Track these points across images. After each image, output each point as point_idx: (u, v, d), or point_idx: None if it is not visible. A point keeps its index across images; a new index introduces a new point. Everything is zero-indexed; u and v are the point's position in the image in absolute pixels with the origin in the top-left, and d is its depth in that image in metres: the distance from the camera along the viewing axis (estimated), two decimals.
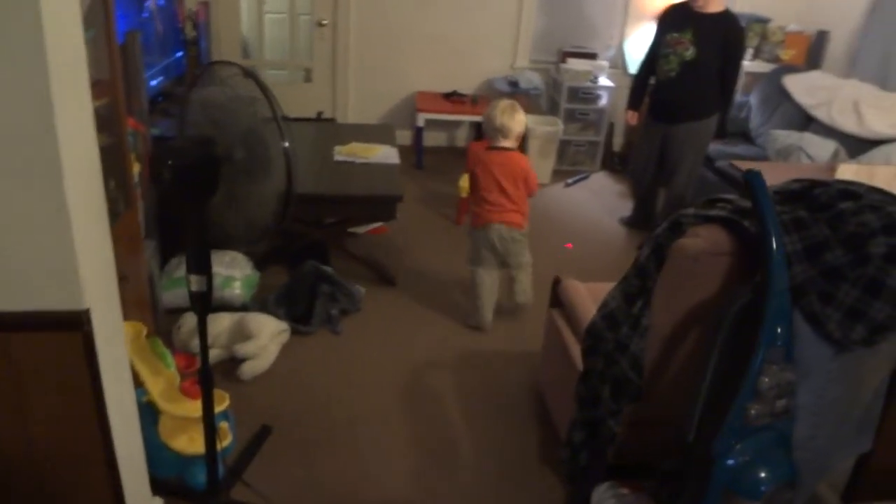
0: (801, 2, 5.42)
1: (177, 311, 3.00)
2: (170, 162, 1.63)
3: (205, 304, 1.83)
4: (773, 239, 1.39)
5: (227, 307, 3.04)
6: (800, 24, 5.36)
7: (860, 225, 1.52)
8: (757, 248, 1.58)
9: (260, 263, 3.34)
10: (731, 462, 1.46)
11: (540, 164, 5.10)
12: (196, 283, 1.80)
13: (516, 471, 2.35)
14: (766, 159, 4.31)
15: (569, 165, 5.48)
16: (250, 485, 2.18)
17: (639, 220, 4.39)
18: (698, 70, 3.63)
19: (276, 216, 1.78)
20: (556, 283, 2.52)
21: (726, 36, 3.65)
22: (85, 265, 1.45)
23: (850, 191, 1.59)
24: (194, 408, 2.08)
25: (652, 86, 3.99)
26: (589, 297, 2.34)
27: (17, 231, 1.37)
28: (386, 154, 3.78)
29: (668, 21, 3.85)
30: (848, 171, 2.89)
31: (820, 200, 1.61)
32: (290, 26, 5.42)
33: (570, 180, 5.23)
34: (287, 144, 1.71)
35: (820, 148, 3.85)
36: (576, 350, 2.28)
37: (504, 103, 3.06)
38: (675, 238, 1.66)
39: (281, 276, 3.41)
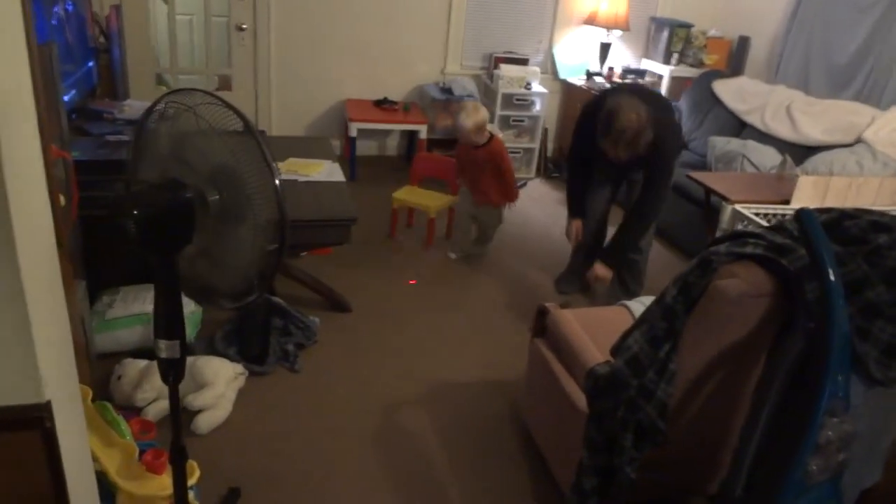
0: (720, 8, 5.57)
1: (109, 357, 2.68)
2: (135, 212, 1.38)
3: (177, 373, 1.57)
4: (834, 283, 1.30)
5: None
6: (720, 29, 5.50)
7: None
8: (795, 287, 1.50)
9: None
10: None
11: None
12: (167, 349, 1.54)
13: None
14: (705, 166, 4.36)
15: None
16: None
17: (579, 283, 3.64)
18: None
19: (264, 264, 1.55)
20: (543, 312, 2.38)
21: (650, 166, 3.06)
22: (43, 346, 1.18)
23: (882, 223, 1.54)
24: (160, 485, 1.82)
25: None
26: (580, 327, 2.22)
27: None
28: (329, 170, 3.54)
29: (592, 153, 3.11)
30: (807, 183, 2.91)
31: (851, 233, 1.54)
32: (205, 30, 5.04)
33: None
34: (278, 182, 1.48)
35: (764, 156, 3.91)
36: (568, 383, 2.17)
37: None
38: (705, 278, 1.56)
39: (222, 310, 3.10)
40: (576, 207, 3.40)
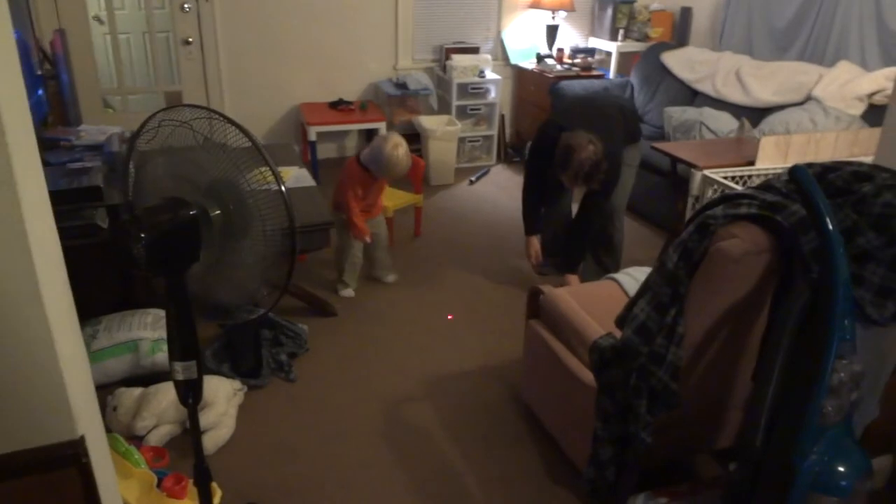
0: None
1: (99, 389, 2.61)
2: (143, 235, 1.36)
3: (196, 394, 1.55)
4: (833, 232, 1.37)
5: (160, 374, 2.68)
6: (662, 2, 5.61)
7: (885, 206, 1.54)
8: (791, 242, 1.57)
9: None
10: (810, 464, 1.44)
11: (443, 165, 5.00)
12: (183, 371, 1.52)
13: (529, 495, 2.24)
14: (663, 137, 4.46)
15: (467, 162, 5.42)
16: None
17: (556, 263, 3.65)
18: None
19: (275, 273, 1.54)
20: (536, 293, 2.42)
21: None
22: (72, 382, 1.16)
23: (862, 172, 1.61)
24: None
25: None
26: (578, 304, 2.27)
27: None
28: (298, 176, 3.51)
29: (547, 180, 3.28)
30: (769, 143, 3.01)
31: (836, 185, 1.62)
32: (150, 47, 4.93)
33: (473, 177, 5.17)
34: (284, 189, 1.48)
35: (720, 121, 4.02)
36: (570, 360, 2.21)
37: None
38: (705, 241, 1.61)
39: (209, 327, 3.06)
40: (532, 225, 3.47)
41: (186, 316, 1.49)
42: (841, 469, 1.45)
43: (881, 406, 1.97)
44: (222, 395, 2.47)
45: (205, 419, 2.38)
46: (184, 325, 1.50)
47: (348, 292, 3.51)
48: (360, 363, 2.94)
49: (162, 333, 2.73)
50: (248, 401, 2.64)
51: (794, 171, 1.41)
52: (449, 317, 3.32)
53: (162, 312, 2.83)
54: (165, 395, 2.46)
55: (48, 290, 1.09)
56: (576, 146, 2.91)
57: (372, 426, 2.56)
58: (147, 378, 2.65)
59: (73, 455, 1.17)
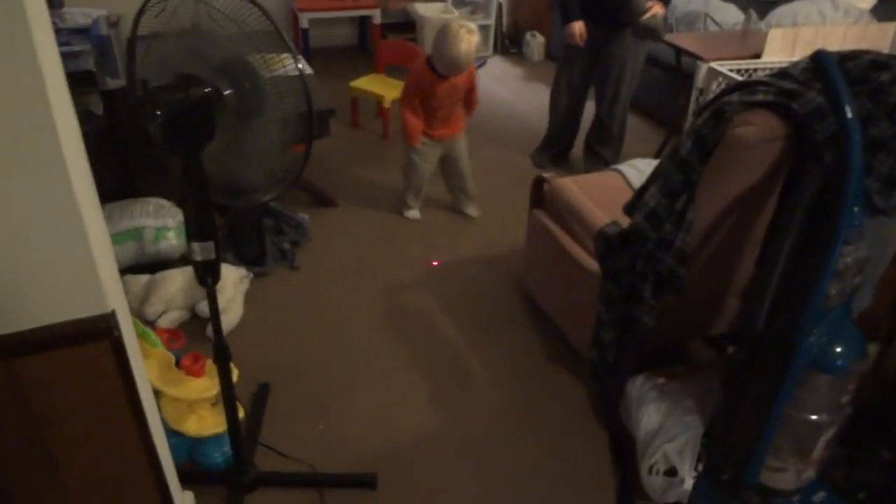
0: None
1: None
2: (158, 112, 1.34)
3: (215, 274, 1.58)
4: (851, 120, 1.37)
5: (165, 262, 2.71)
6: None
7: None
8: (806, 129, 1.57)
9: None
10: (810, 343, 1.50)
11: None
12: (201, 251, 1.54)
13: (533, 376, 2.34)
14: (667, 29, 4.34)
15: None
16: (276, 449, 2.01)
17: (553, 156, 3.79)
18: None
19: (286, 162, 1.54)
20: (540, 182, 2.43)
21: None
22: (99, 256, 1.18)
23: (880, 61, 1.60)
24: (202, 387, 1.87)
25: None
26: (583, 193, 2.28)
27: (28, 231, 1.07)
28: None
29: None
30: (777, 36, 2.95)
31: (853, 74, 1.60)
32: None
33: None
34: (301, 67, 1.45)
35: (726, 13, 3.91)
36: (575, 249, 2.25)
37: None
38: (719, 128, 1.61)
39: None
40: (572, 11, 3.25)
41: (203, 196, 1.50)
42: (839, 349, 1.51)
43: (873, 296, 2.04)
44: (229, 281, 2.50)
45: None
46: (201, 206, 1.50)
47: (413, 213, 3.25)
48: (361, 252, 2.97)
49: (165, 221, 2.73)
50: (253, 288, 2.68)
51: (817, 57, 1.40)
52: (434, 263, 2.96)
53: (163, 201, 2.84)
54: (173, 282, 2.50)
55: (72, 160, 1.08)
56: None
57: (376, 311, 2.62)
58: (151, 266, 2.67)
59: (105, 328, 1.19)
